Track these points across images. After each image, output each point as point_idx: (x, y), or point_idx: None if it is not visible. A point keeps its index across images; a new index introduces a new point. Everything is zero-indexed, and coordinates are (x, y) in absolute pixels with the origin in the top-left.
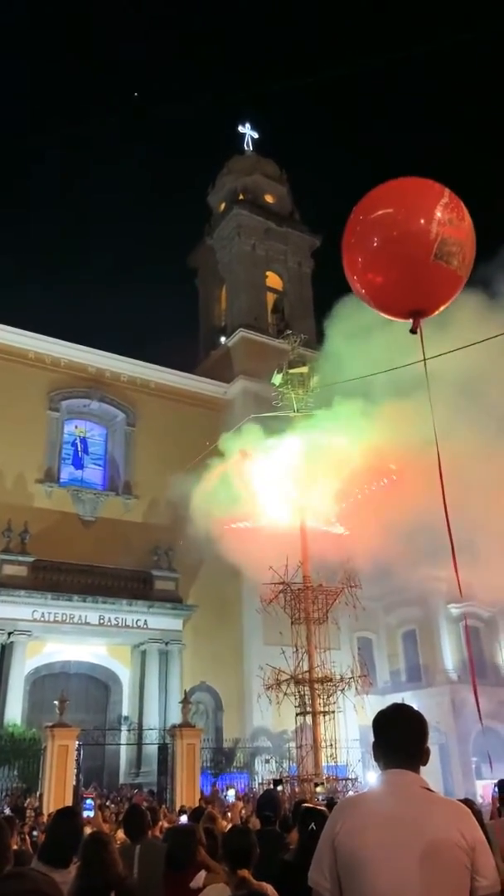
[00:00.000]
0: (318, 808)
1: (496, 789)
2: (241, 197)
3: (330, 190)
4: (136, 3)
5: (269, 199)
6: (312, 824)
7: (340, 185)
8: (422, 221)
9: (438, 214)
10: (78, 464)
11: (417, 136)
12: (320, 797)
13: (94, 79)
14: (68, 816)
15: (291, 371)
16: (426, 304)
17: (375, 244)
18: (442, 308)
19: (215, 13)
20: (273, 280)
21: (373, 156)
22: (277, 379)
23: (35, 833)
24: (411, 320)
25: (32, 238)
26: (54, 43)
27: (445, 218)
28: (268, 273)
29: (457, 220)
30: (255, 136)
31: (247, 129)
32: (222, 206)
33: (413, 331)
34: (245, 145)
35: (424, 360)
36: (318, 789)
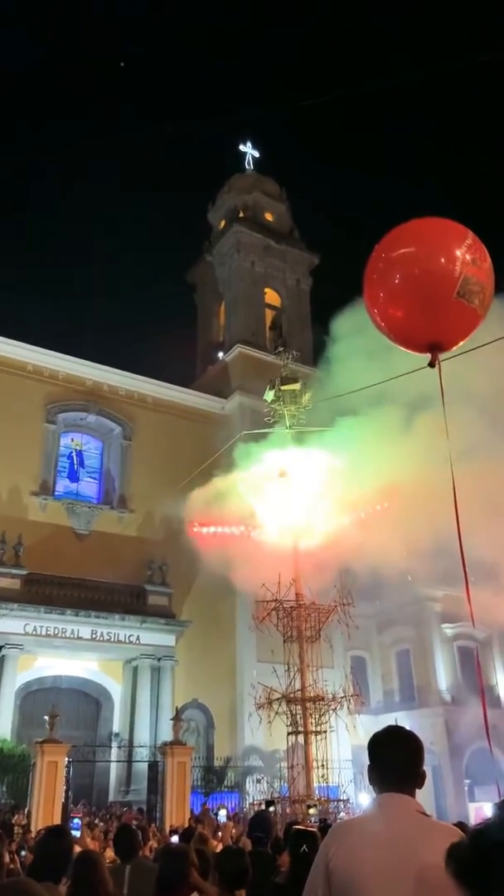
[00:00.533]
0: (310, 829)
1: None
2: (240, 214)
3: (329, 209)
4: (141, 23)
5: (268, 216)
6: (304, 846)
7: (339, 205)
8: (443, 260)
9: (461, 254)
10: (73, 477)
11: (417, 156)
12: (313, 819)
13: (96, 94)
14: (58, 835)
15: (284, 387)
16: (445, 338)
17: (398, 280)
18: (460, 343)
19: (218, 34)
20: (271, 297)
21: (372, 176)
22: (270, 395)
23: (23, 852)
24: (429, 354)
25: (32, 251)
26: (57, 58)
27: (469, 258)
28: (266, 290)
29: (479, 260)
30: (256, 154)
31: (247, 148)
32: (222, 223)
33: (431, 364)
34: (245, 164)
35: (442, 395)
36: (311, 811)
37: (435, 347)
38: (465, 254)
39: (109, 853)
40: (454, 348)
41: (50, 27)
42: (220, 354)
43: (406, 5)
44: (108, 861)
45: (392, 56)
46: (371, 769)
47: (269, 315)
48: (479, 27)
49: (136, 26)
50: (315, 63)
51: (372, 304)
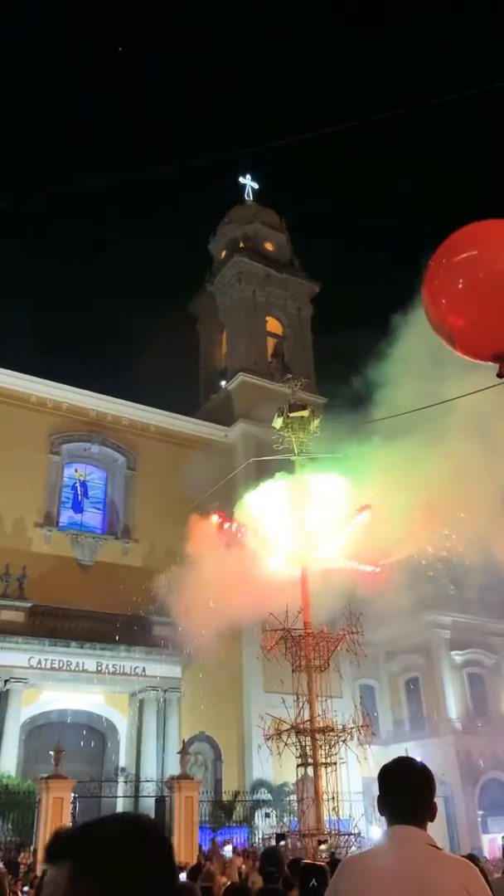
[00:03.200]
0: (319, 864)
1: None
2: (241, 245)
3: (329, 237)
4: (138, 55)
5: (268, 246)
6: (313, 881)
7: (339, 233)
8: None
9: None
10: (77, 507)
11: (418, 185)
12: (324, 854)
13: (97, 126)
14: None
15: (293, 414)
16: None
17: (461, 286)
18: None
19: (217, 66)
20: (273, 325)
21: (371, 205)
22: (278, 422)
23: (27, 889)
24: (497, 364)
25: (34, 283)
26: (56, 90)
27: None
28: (268, 318)
29: None
30: (255, 186)
31: (247, 180)
32: (223, 253)
33: (501, 374)
34: (245, 195)
35: None
36: (322, 847)
37: (502, 357)
38: None
39: None
40: None
41: (52, 60)
42: (223, 383)
43: (407, 36)
44: None
45: (393, 86)
46: (381, 801)
47: (270, 343)
48: (480, 57)
49: (136, 59)
50: (313, 94)
51: (435, 314)
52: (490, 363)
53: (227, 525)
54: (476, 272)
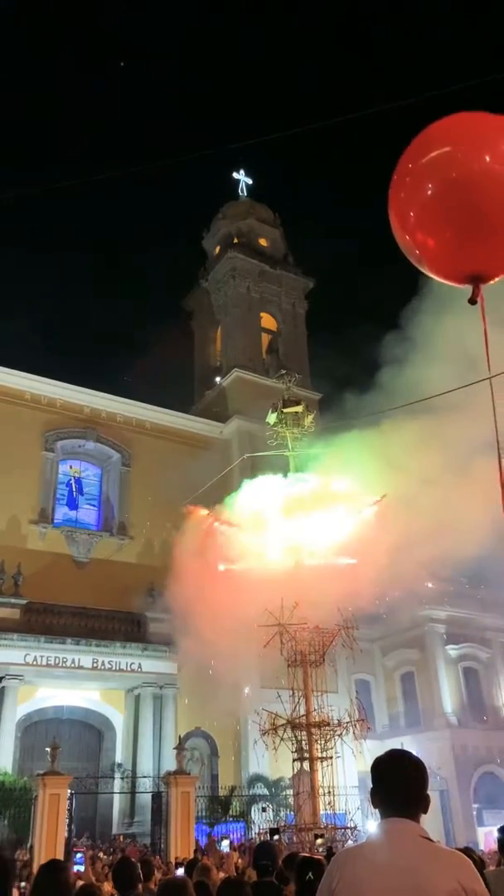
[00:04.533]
0: (316, 857)
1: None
2: (235, 241)
3: (323, 233)
4: (134, 51)
5: (263, 242)
6: (310, 874)
7: (333, 229)
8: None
9: None
10: (72, 504)
11: None
12: (321, 849)
13: (91, 122)
14: (55, 870)
15: (286, 410)
16: (491, 268)
17: (431, 191)
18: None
19: (211, 59)
20: (267, 321)
21: (366, 200)
22: (272, 418)
23: (24, 884)
24: (469, 287)
25: (28, 280)
26: (50, 89)
27: None
28: (262, 314)
29: None
30: (249, 182)
31: (241, 176)
32: (217, 249)
33: (473, 300)
34: (240, 191)
35: (486, 335)
36: (319, 841)
37: (478, 279)
38: None
39: (108, 887)
40: (496, 279)
41: (46, 58)
42: (218, 379)
43: (402, 30)
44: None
45: (386, 80)
46: (374, 794)
47: (265, 339)
48: (477, 50)
49: (131, 54)
50: (308, 88)
51: (401, 228)
52: (462, 286)
53: (217, 524)
54: (448, 172)
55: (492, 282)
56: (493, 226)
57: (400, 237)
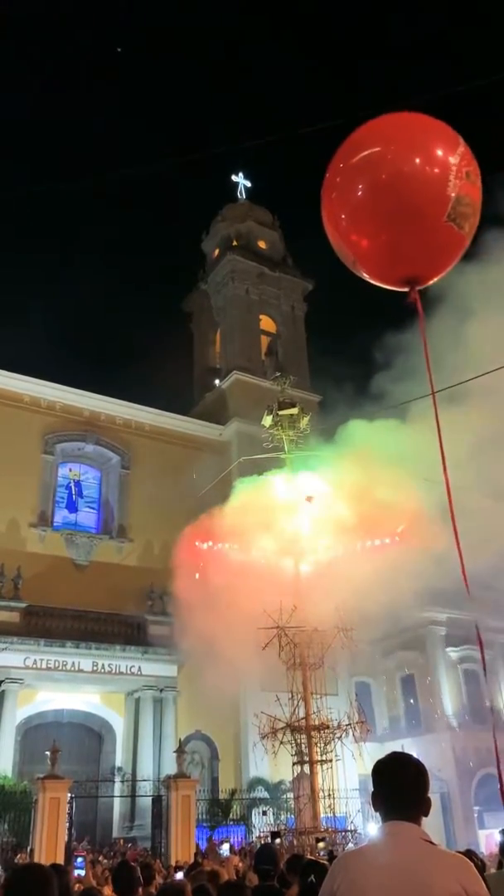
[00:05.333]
0: (319, 861)
1: (501, 838)
2: (234, 243)
3: (322, 235)
4: (132, 53)
5: (261, 244)
6: (312, 877)
7: None
8: (433, 169)
9: (456, 165)
10: (72, 507)
11: None
12: (322, 852)
13: (91, 124)
14: (55, 874)
15: (281, 412)
16: (426, 270)
17: (361, 192)
18: (439, 277)
19: (209, 64)
20: (266, 323)
21: None
22: (267, 420)
23: None
24: (406, 289)
25: (27, 282)
26: (49, 93)
27: (463, 171)
28: (261, 316)
29: (474, 175)
30: (248, 184)
31: (240, 179)
32: (216, 251)
33: (410, 301)
34: (238, 193)
35: (424, 338)
36: (321, 845)
37: (413, 282)
38: (460, 165)
39: (108, 892)
40: (431, 281)
41: (44, 61)
42: (217, 381)
43: (403, 32)
44: None
45: (384, 83)
46: (375, 797)
47: (264, 341)
48: (477, 52)
49: (131, 56)
50: (306, 91)
51: (335, 230)
52: (399, 289)
53: (208, 544)
54: (378, 173)
55: (428, 283)
56: (424, 228)
57: (333, 239)
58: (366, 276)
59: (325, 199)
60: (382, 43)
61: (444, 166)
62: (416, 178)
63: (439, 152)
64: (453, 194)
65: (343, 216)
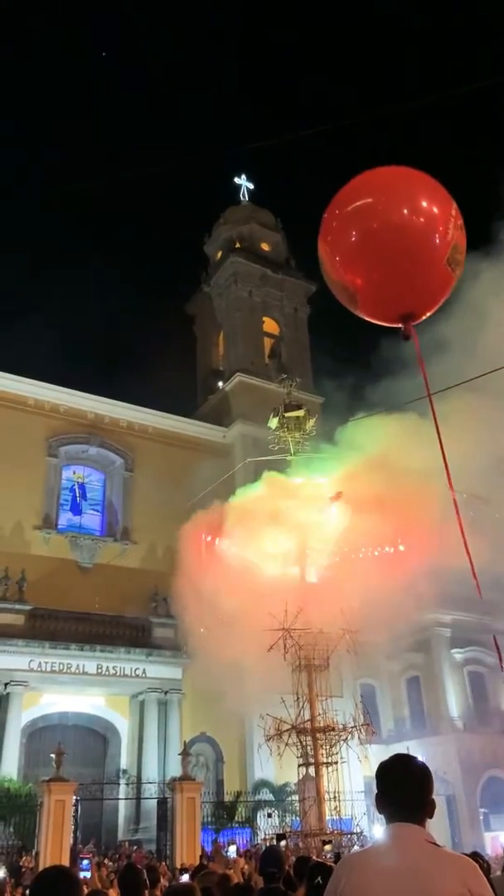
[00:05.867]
0: (326, 863)
1: None
2: (237, 245)
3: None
4: (134, 55)
5: (264, 246)
6: (319, 878)
7: None
8: (442, 219)
9: (455, 217)
10: (76, 510)
11: None
12: (329, 854)
13: (93, 128)
14: None
15: (287, 414)
16: (420, 307)
17: (355, 238)
18: (430, 313)
19: (211, 64)
20: (270, 325)
21: None
22: (273, 422)
23: (28, 893)
24: (402, 325)
25: (31, 285)
26: (51, 92)
27: (459, 222)
28: (264, 318)
29: (463, 228)
30: (251, 187)
31: (242, 181)
32: (219, 254)
33: (406, 337)
34: (241, 196)
35: (424, 371)
36: (327, 847)
37: (408, 318)
38: (456, 217)
39: (114, 893)
40: (424, 318)
41: (46, 60)
42: (220, 384)
43: (404, 33)
44: None
45: (387, 84)
46: (379, 799)
47: (267, 343)
48: (487, 53)
49: (132, 57)
50: (308, 93)
51: (332, 269)
52: (394, 325)
53: (213, 539)
54: (369, 223)
55: (421, 319)
56: (415, 270)
57: (329, 278)
58: (363, 314)
59: (321, 241)
60: (384, 42)
61: (447, 216)
62: (403, 227)
63: (443, 204)
64: (452, 242)
65: (338, 258)
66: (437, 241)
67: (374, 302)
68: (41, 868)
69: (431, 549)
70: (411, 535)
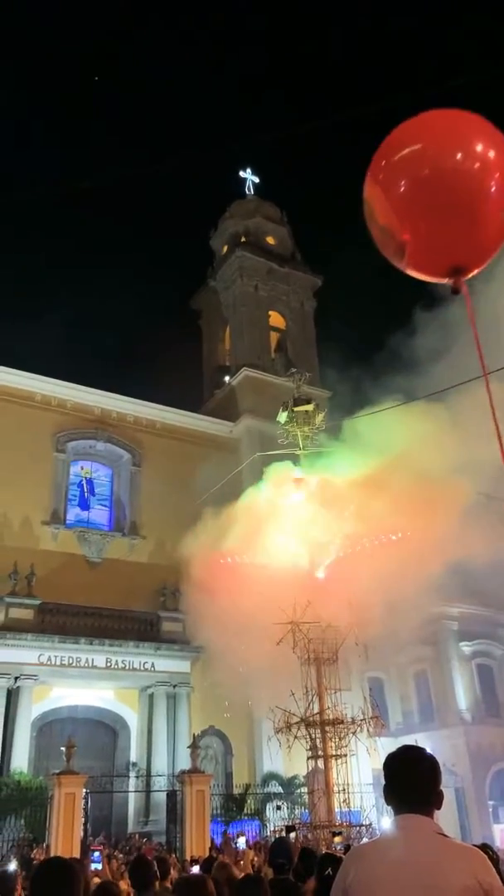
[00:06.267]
0: (336, 854)
1: None
2: (243, 239)
3: (331, 230)
4: (138, 51)
5: (270, 240)
6: (329, 870)
7: (341, 226)
8: (496, 168)
9: None
10: (84, 505)
11: None
12: (338, 846)
13: (95, 125)
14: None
15: (297, 409)
16: (472, 260)
17: (404, 188)
18: (483, 267)
19: (215, 58)
20: (276, 319)
21: None
22: (283, 417)
23: None
24: (452, 280)
25: (38, 282)
26: (57, 88)
27: None
28: (270, 313)
29: None
30: (256, 180)
31: (247, 174)
32: (225, 248)
33: (455, 291)
34: (246, 189)
35: (474, 328)
36: (337, 839)
37: (459, 271)
38: None
39: (125, 886)
40: (476, 271)
41: (51, 53)
42: (227, 378)
43: (407, 28)
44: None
45: (391, 77)
46: (387, 790)
47: (274, 338)
48: (480, 44)
49: (135, 54)
50: (312, 86)
51: (378, 222)
52: (444, 280)
53: (223, 560)
54: (420, 169)
55: (472, 273)
56: (468, 220)
57: (376, 235)
58: (410, 270)
59: (367, 196)
60: (395, 34)
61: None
62: (456, 173)
63: (500, 149)
64: None
65: (387, 212)
66: (493, 188)
67: (423, 254)
68: None
69: (444, 541)
70: (422, 525)
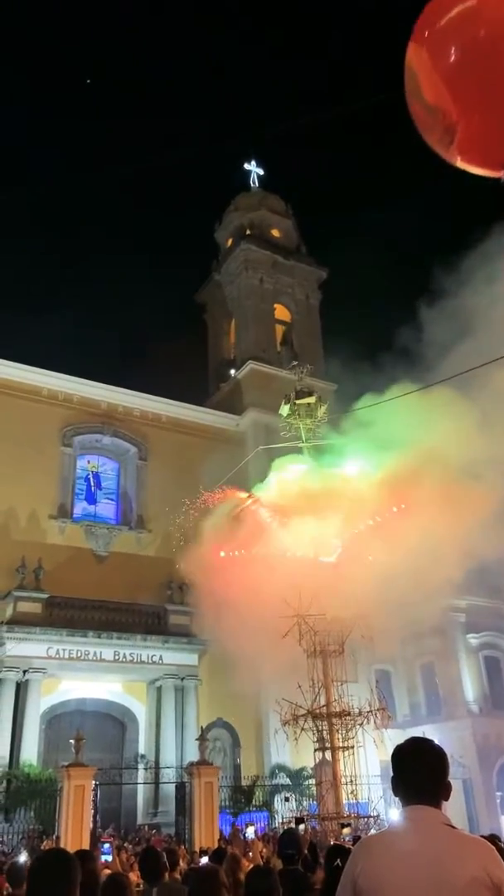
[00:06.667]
0: (346, 845)
1: None
2: (247, 232)
3: (336, 223)
4: (142, 43)
5: (275, 233)
6: (338, 861)
7: (346, 218)
8: None
9: None
10: (91, 499)
11: (422, 168)
12: (347, 838)
13: (100, 117)
14: (82, 860)
15: (298, 401)
16: None
17: (454, 56)
18: None
19: (219, 51)
20: (281, 312)
21: (379, 189)
22: (285, 410)
23: None
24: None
25: (44, 276)
26: (62, 81)
27: None
28: (276, 306)
29: None
30: (261, 173)
31: (252, 167)
32: (229, 241)
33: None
34: (251, 182)
35: None
36: (346, 830)
37: None
38: None
39: (135, 877)
40: None
41: (56, 46)
42: (232, 372)
43: (411, 17)
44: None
45: (397, 67)
46: (395, 782)
47: (279, 331)
48: None
49: (139, 46)
50: (318, 78)
51: (424, 101)
52: (496, 174)
53: (253, 506)
54: (476, 30)
55: None
56: None
57: (419, 115)
58: (458, 161)
59: (410, 75)
60: (400, 25)
61: None
62: None
63: None
64: None
65: (435, 88)
66: None
67: (476, 139)
68: None
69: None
70: (433, 518)
